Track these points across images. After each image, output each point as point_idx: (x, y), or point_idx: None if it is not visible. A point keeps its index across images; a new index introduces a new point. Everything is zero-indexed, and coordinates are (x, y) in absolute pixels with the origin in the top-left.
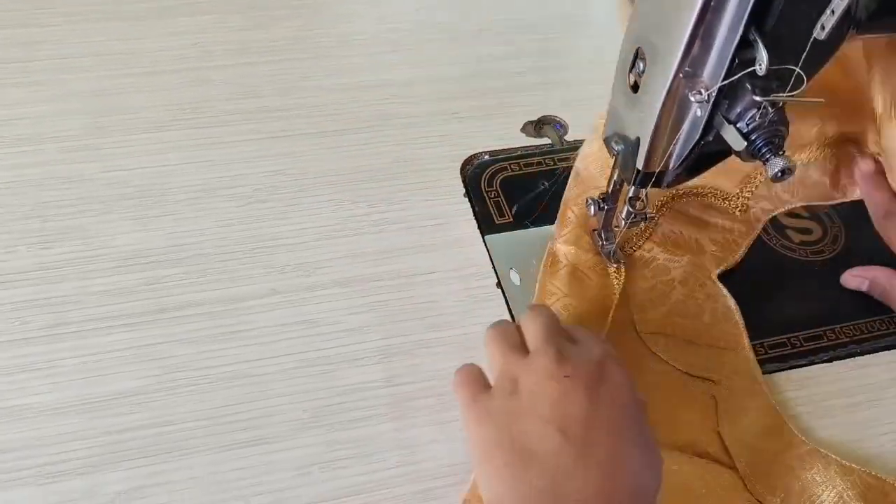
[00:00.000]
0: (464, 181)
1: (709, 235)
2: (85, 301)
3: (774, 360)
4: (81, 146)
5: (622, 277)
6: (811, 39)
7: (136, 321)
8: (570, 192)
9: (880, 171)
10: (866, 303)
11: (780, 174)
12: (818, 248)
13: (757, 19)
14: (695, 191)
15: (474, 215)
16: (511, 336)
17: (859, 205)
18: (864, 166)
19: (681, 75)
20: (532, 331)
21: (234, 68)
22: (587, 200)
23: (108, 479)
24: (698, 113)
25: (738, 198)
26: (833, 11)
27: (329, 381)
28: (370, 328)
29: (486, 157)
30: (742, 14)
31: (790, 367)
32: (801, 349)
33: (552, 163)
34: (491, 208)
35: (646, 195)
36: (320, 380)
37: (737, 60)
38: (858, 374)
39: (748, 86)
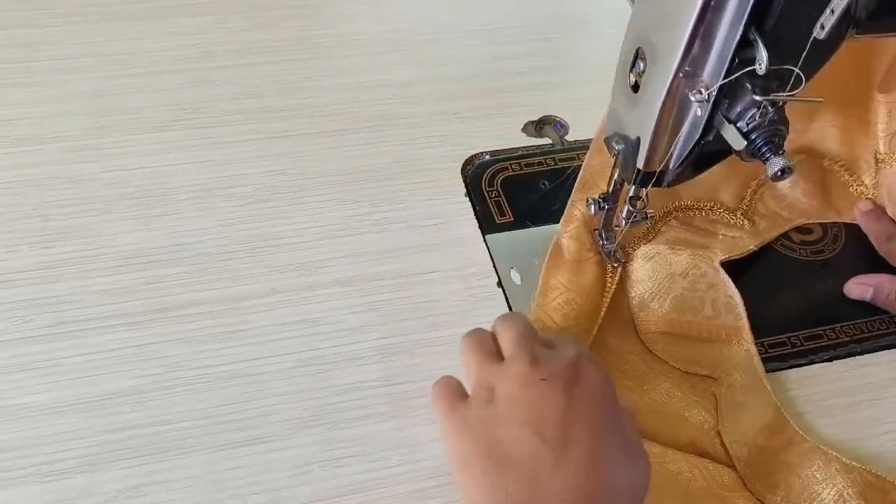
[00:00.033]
0: (465, 181)
1: (716, 241)
2: (85, 300)
3: (775, 359)
4: (82, 146)
5: (616, 279)
6: (811, 39)
7: (136, 320)
8: (576, 194)
9: (877, 207)
10: (866, 302)
11: (779, 173)
12: (818, 248)
13: (757, 19)
14: (697, 206)
15: (475, 215)
16: (486, 344)
17: None
18: (862, 206)
19: (681, 75)
20: (506, 338)
21: (234, 69)
22: (587, 200)
23: (106, 478)
24: (698, 112)
25: (739, 210)
26: (833, 11)
27: (329, 381)
28: (370, 327)
29: (487, 156)
30: (742, 14)
31: (790, 367)
32: (802, 348)
33: (553, 163)
34: (492, 208)
35: (646, 194)
36: (320, 379)
37: (737, 60)
38: (858, 374)
39: (748, 85)
